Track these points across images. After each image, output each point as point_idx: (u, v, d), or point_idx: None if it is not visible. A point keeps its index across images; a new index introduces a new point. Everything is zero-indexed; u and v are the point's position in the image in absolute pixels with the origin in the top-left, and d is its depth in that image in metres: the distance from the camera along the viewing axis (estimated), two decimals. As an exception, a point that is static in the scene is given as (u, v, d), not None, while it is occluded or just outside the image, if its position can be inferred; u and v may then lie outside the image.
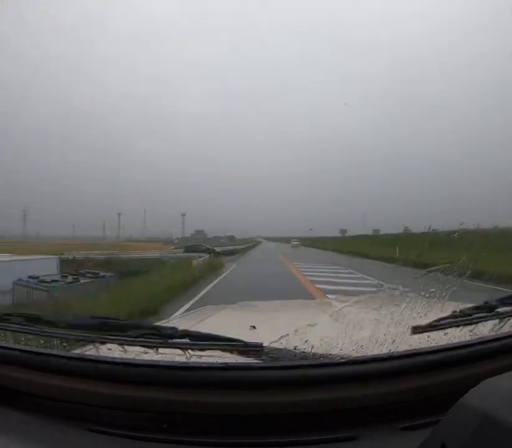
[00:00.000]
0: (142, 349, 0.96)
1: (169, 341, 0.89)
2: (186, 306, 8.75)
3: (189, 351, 0.87)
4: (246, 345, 0.86)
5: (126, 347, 0.92)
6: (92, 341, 0.95)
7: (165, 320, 2.08)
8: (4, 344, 0.97)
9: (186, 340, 0.89)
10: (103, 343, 0.93)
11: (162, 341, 0.89)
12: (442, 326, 0.89)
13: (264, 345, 0.85)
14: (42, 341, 0.99)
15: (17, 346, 0.95)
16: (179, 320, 2.17)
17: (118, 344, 0.91)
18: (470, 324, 0.92)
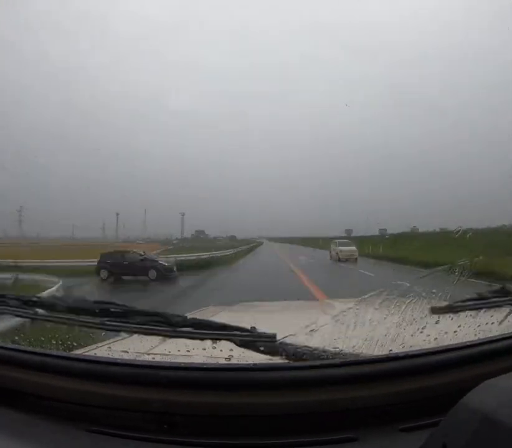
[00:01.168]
0: (145, 346, 0.94)
1: (178, 329, 0.83)
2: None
3: (198, 340, 0.82)
4: (259, 335, 0.82)
5: (128, 344, 0.89)
6: (92, 327, 0.88)
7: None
8: (3, 344, 0.97)
9: (193, 330, 0.83)
10: (104, 329, 0.87)
11: (170, 329, 0.83)
12: (461, 309, 0.89)
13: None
14: (43, 338, 0.94)
15: (16, 347, 0.95)
16: None
17: (121, 331, 0.84)
18: (488, 307, 0.91)
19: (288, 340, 0.87)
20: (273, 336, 0.82)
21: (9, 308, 0.94)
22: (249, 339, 0.82)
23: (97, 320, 0.87)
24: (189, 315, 2.79)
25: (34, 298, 0.96)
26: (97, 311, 0.88)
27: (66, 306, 0.92)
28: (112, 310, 0.89)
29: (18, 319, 0.93)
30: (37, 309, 0.92)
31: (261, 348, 0.82)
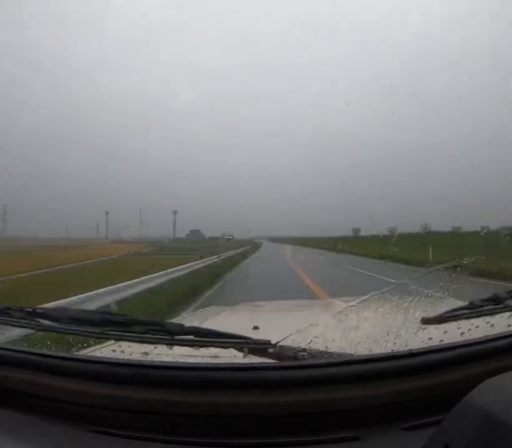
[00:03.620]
0: (147, 347, 0.94)
1: (176, 337, 0.86)
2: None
3: (196, 347, 0.85)
4: (254, 342, 0.85)
5: (130, 344, 0.91)
6: (94, 337, 0.91)
7: (169, 321, 2.09)
8: (5, 345, 0.97)
9: (192, 337, 0.86)
10: (106, 339, 0.90)
11: (168, 337, 0.86)
12: (453, 319, 0.88)
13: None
14: (49, 342, 0.96)
15: (17, 348, 0.95)
16: (182, 320, 2.18)
17: (122, 340, 0.88)
18: (480, 316, 0.91)
19: (286, 342, 0.87)
20: (268, 342, 0.84)
21: (13, 319, 0.96)
22: (247, 346, 0.84)
23: (98, 329, 0.90)
24: (192, 316, 2.79)
25: (38, 310, 0.99)
26: (98, 321, 0.91)
27: (69, 317, 0.94)
28: (113, 320, 0.92)
29: (21, 330, 0.95)
30: (41, 320, 0.94)
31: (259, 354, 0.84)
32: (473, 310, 0.92)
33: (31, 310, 0.99)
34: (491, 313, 0.92)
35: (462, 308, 0.92)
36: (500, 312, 0.93)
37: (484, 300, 0.94)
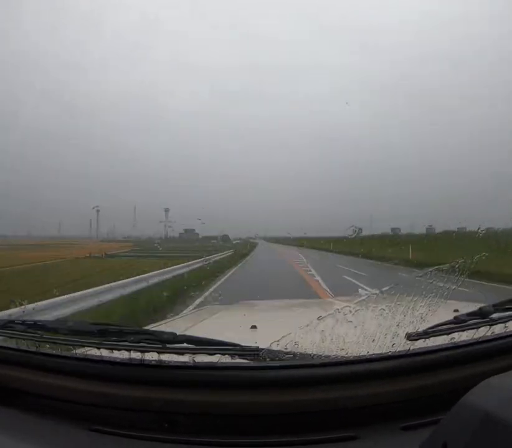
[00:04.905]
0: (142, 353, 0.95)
1: (168, 346, 0.88)
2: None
3: (188, 355, 0.87)
4: (242, 348, 0.86)
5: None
6: (92, 347, 0.94)
7: (168, 320, 2.09)
8: (5, 344, 0.97)
9: (184, 345, 0.88)
10: (103, 348, 0.92)
11: (161, 346, 0.88)
12: (437, 333, 0.88)
13: (262, 346, 0.84)
14: (47, 346, 0.98)
15: (18, 347, 0.95)
16: (180, 319, 2.17)
17: (117, 350, 0.90)
18: (464, 331, 0.90)
19: (283, 341, 0.87)
20: (257, 348, 0.85)
21: (16, 332, 0.99)
22: (236, 353, 0.85)
23: (96, 340, 0.93)
24: (188, 315, 2.77)
25: (39, 323, 1.02)
26: (96, 332, 0.94)
27: (68, 328, 0.98)
28: (109, 330, 0.95)
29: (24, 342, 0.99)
30: (42, 332, 0.97)
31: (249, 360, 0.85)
32: (458, 325, 0.91)
33: (32, 323, 1.02)
34: (474, 327, 0.91)
35: (447, 322, 0.92)
36: (483, 326, 0.92)
37: (469, 315, 0.93)
